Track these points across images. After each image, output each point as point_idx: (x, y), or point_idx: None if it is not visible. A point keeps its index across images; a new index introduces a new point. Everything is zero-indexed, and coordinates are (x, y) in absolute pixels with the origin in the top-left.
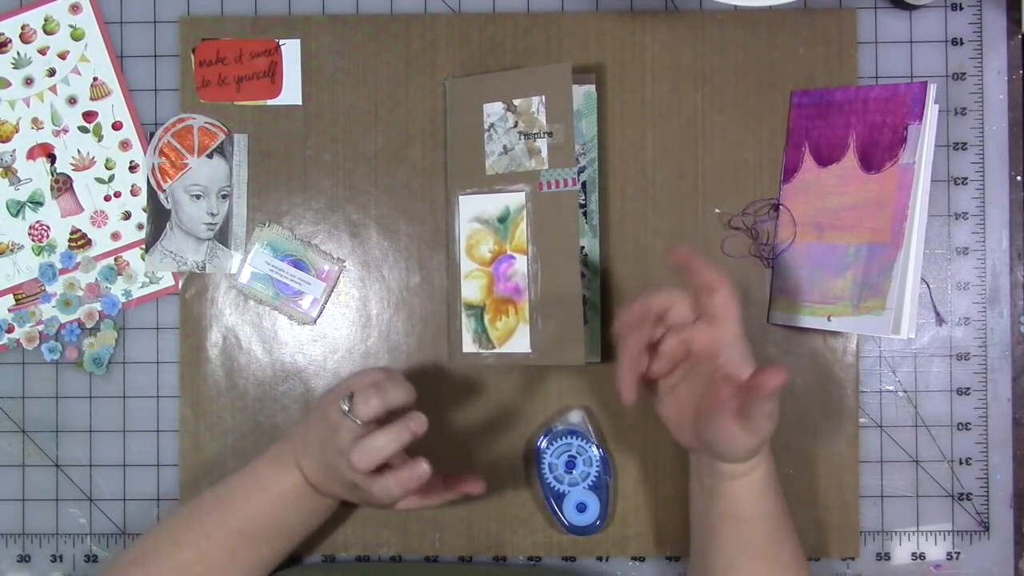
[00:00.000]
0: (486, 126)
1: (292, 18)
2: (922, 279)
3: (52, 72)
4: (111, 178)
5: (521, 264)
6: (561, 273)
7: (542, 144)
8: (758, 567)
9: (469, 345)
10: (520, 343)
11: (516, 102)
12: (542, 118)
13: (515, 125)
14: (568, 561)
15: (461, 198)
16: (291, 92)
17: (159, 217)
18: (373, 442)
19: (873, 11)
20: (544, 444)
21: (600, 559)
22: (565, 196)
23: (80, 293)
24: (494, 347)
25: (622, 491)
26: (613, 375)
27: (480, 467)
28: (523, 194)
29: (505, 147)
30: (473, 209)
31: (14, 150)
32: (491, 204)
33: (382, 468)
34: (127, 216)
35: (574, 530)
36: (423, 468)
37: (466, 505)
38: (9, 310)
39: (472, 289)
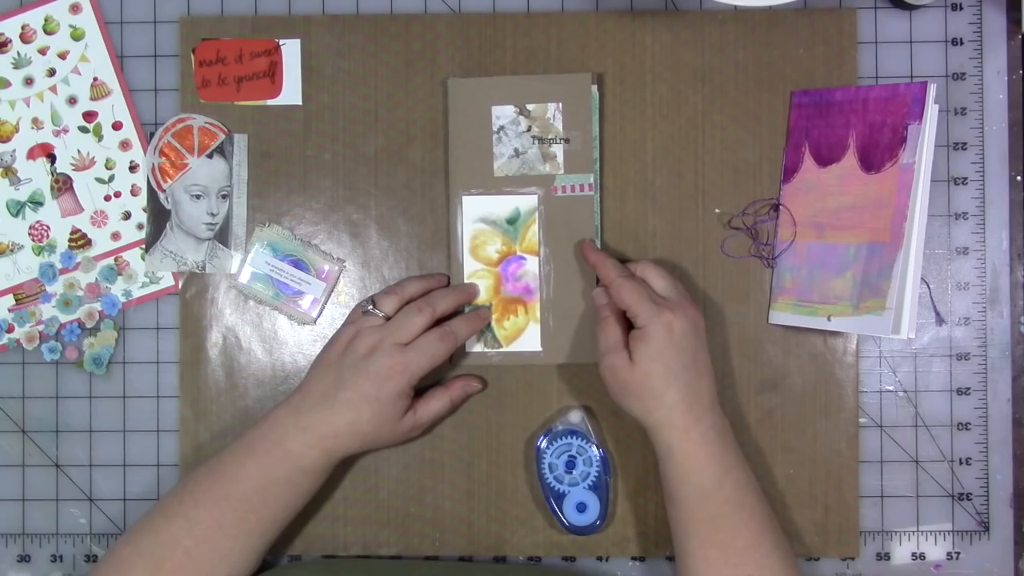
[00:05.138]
0: (495, 128)
1: (292, 18)
2: (922, 279)
3: (52, 72)
4: (111, 178)
5: (532, 265)
6: (578, 274)
7: (558, 149)
8: (708, 551)
9: (474, 344)
10: (529, 342)
11: (530, 107)
12: (558, 124)
13: (528, 129)
14: (568, 561)
15: (465, 198)
16: (291, 92)
17: (159, 217)
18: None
19: (873, 11)
20: (544, 444)
21: (600, 559)
22: (581, 200)
23: (80, 293)
24: (501, 346)
25: (622, 491)
26: None
27: (480, 467)
28: (535, 197)
29: (516, 150)
30: (479, 210)
31: (14, 150)
32: (499, 205)
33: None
34: (127, 216)
35: (574, 530)
36: (485, 312)
37: (466, 505)
38: (9, 310)
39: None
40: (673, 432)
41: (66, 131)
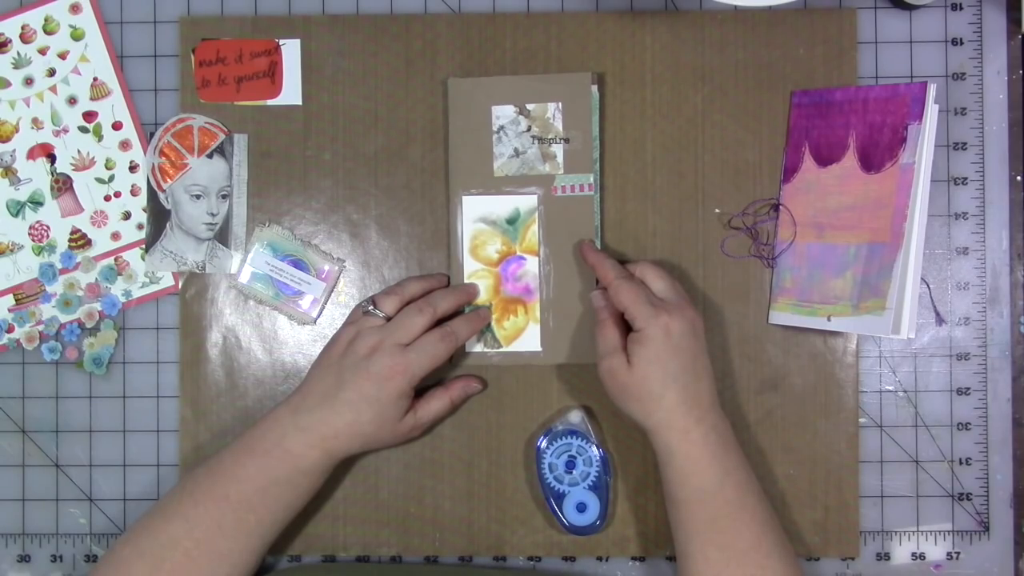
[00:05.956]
0: (495, 128)
1: (292, 18)
2: (922, 279)
3: (52, 72)
4: (111, 178)
5: (532, 265)
6: (577, 274)
7: (558, 149)
8: (709, 553)
9: (474, 344)
10: (529, 342)
11: (530, 107)
12: (558, 124)
13: (528, 129)
14: (568, 561)
15: (465, 198)
16: (291, 92)
17: (159, 217)
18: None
19: (873, 11)
20: (544, 444)
21: (600, 559)
22: (581, 200)
23: (80, 293)
24: (500, 346)
25: (622, 491)
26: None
27: (480, 467)
28: (535, 197)
29: (516, 150)
30: (478, 210)
31: (14, 150)
32: (499, 205)
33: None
34: (127, 216)
35: (574, 530)
36: (486, 312)
37: (466, 505)
38: (9, 310)
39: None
40: (673, 434)
41: (66, 131)
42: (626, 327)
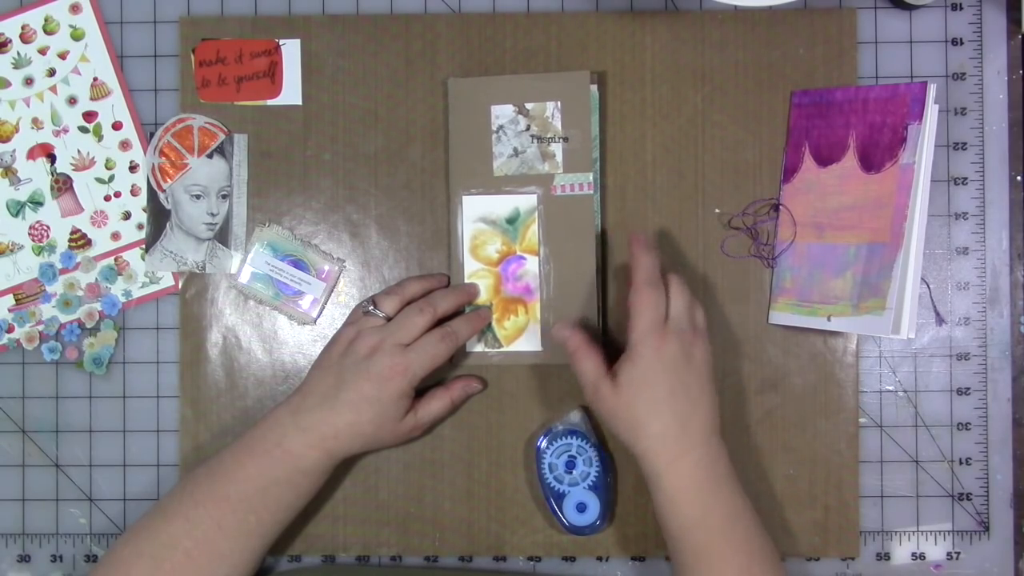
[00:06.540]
0: (494, 128)
1: (292, 18)
2: (922, 279)
3: (52, 72)
4: (111, 178)
5: (532, 264)
6: (577, 274)
7: (557, 148)
8: None
9: (474, 344)
10: (530, 342)
11: (529, 106)
12: (557, 123)
13: (527, 128)
14: (568, 561)
15: (465, 198)
16: (291, 92)
17: (159, 217)
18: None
19: (873, 11)
20: (544, 444)
21: (600, 559)
22: (580, 200)
23: (80, 293)
24: (501, 346)
25: (622, 491)
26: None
27: (480, 467)
28: (535, 196)
29: (516, 149)
30: (478, 209)
31: (14, 150)
32: (499, 205)
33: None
34: (127, 216)
35: (574, 530)
36: (486, 311)
37: (466, 505)
38: (9, 310)
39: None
40: (659, 462)
41: (66, 131)
42: (602, 354)
